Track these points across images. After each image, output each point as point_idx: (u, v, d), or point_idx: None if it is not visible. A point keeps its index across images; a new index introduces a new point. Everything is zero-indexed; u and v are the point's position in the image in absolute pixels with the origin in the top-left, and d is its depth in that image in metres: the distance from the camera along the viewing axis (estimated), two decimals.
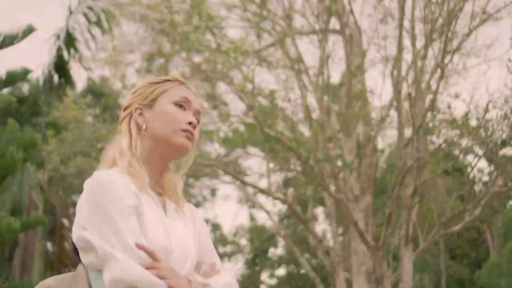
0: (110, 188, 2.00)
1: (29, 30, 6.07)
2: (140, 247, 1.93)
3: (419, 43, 11.23)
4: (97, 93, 18.44)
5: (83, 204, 2.03)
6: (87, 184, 2.05)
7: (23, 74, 5.99)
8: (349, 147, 12.80)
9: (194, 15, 11.93)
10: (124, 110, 2.25)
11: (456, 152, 13.64)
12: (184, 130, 2.17)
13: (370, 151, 12.68)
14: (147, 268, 1.90)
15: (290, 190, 17.50)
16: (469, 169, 12.97)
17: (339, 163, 12.18)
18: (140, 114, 2.20)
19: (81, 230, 2.01)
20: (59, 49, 16.13)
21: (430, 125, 11.34)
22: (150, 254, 1.94)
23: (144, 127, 2.17)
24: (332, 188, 12.39)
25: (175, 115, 2.19)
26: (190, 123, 2.19)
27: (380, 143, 17.36)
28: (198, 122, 2.25)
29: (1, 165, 5.28)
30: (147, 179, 2.12)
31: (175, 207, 2.20)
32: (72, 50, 15.93)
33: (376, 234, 12.98)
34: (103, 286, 1.95)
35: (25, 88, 25.37)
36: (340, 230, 18.96)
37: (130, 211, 1.99)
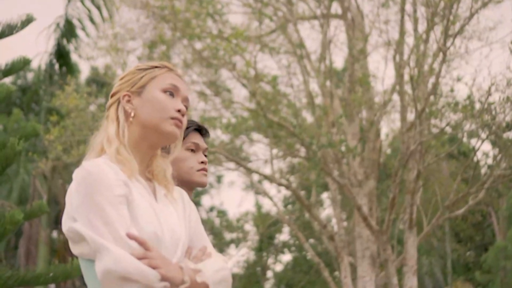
0: (99, 178, 1.99)
1: (28, 20, 6.01)
2: (131, 237, 1.92)
3: (421, 27, 11.19)
4: (101, 82, 18.44)
5: (73, 194, 2.02)
6: (76, 174, 2.04)
7: (23, 64, 5.94)
8: (352, 132, 12.78)
9: (195, 1, 11.88)
10: (111, 96, 2.24)
11: (460, 135, 13.60)
12: (173, 118, 2.16)
13: (373, 136, 12.66)
14: (139, 258, 1.90)
15: (294, 176, 17.48)
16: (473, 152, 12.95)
17: (343, 148, 12.15)
18: (128, 101, 2.18)
19: (71, 221, 2.00)
20: (59, 38, 16.10)
21: (433, 108, 11.29)
22: (142, 243, 1.93)
23: (132, 114, 2.16)
24: (336, 173, 12.38)
25: (164, 102, 2.17)
26: (179, 110, 2.18)
27: (384, 128, 17.36)
28: (187, 108, 2.25)
29: (2, 155, 5.26)
30: (136, 166, 2.11)
31: (165, 192, 2.20)
32: (72, 39, 15.89)
33: (380, 218, 12.98)
34: (95, 276, 1.95)
35: (29, 77, 25.43)
36: (344, 215, 18.99)
37: (120, 201, 1.98)
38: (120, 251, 1.89)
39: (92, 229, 1.93)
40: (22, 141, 5.20)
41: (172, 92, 2.21)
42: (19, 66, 5.94)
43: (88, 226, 1.94)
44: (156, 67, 2.25)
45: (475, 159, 12.48)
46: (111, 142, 2.13)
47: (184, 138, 2.88)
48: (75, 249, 2.03)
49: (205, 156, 3.07)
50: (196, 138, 3.03)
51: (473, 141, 17.35)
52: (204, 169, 2.99)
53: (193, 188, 3.04)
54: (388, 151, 17.90)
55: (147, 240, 1.95)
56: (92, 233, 1.92)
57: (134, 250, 1.91)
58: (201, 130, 3.09)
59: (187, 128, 2.97)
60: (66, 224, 2.02)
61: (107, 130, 2.17)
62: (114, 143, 2.12)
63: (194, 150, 3.01)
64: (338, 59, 29.76)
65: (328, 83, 12.72)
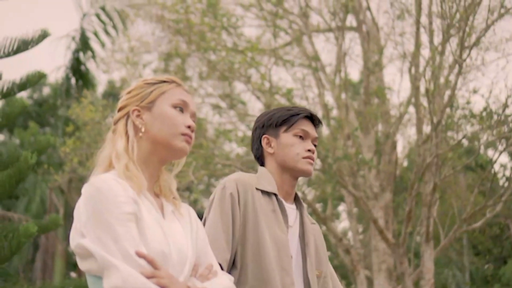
0: (108, 194, 1.98)
1: (43, 35, 6.07)
2: (140, 255, 1.92)
3: (437, 39, 11.13)
4: (118, 95, 18.54)
5: (81, 210, 2.01)
6: (85, 190, 2.03)
7: (38, 78, 5.99)
8: (368, 144, 12.73)
9: (210, 14, 11.92)
10: (119, 110, 2.22)
11: (477, 147, 13.51)
12: (183, 134, 2.16)
13: (389, 148, 12.60)
14: (148, 276, 1.89)
15: (310, 189, 17.44)
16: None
17: (359, 160, 12.10)
18: (138, 115, 2.17)
19: (79, 237, 1.98)
20: (75, 51, 16.19)
21: (449, 121, 11.23)
22: (150, 262, 1.92)
23: (142, 129, 2.15)
24: (352, 186, 12.33)
25: (175, 118, 2.17)
26: (189, 126, 2.18)
27: (400, 140, 17.29)
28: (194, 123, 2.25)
29: (15, 169, 5.29)
30: (144, 182, 2.10)
31: (172, 208, 2.19)
32: (87, 52, 15.97)
33: (397, 231, 12.90)
34: None
35: (46, 91, 25.63)
36: (360, 228, 18.90)
37: (129, 218, 1.97)
38: (128, 269, 1.88)
39: (101, 246, 1.92)
40: (35, 154, 5.23)
41: (181, 107, 2.21)
42: (34, 80, 5.98)
43: (97, 243, 1.93)
44: (164, 81, 2.24)
45: (492, 171, 12.35)
46: (120, 158, 2.11)
47: (293, 124, 2.94)
48: (83, 265, 2.02)
49: (315, 146, 3.01)
50: (306, 125, 2.97)
51: (491, 153, 17.23)
52: (310, 158, 2.92)
53: (297, 178, 2.97)
54: (405, 163, 17.81)
55: (155, 258, 1.94)
56: (100, 250, 1.91)
57: (142, 269, 1.90)
58: (313, 119, 3.02)
59: (297, 114, 2.97)
60: (75, 240, 2.01)
61: (116, 145, 2.15)
62: (123, 159, 2.11)
63: (302, 137, 2.95)
64: (354, 72, 29.79)
65: (343, 95, 12.69)
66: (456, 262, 22.15)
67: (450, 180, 14.34)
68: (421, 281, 11.59)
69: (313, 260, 2.88)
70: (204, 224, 2.75)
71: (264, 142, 3.00)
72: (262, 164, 3.02)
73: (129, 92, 2.24)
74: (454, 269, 21.92)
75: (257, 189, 2.84)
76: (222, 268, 2.61)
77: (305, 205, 3.04)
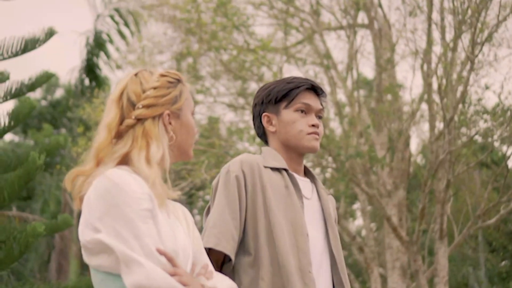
0: (127, 189, 1.95)
1: (50, 33, 6.10)
2: (161, 252, 1.92)
3: (449, 35, 11.08)
4: None
5: (93, 203, 1.96)
6: (99, 183, 1.98)
7: (46, 78, 6.02)
8: (381, 142, 12.68)
9: (220, 13, 11.92)
10: (146, 107, 2.12)
11: (490, 142, 13.43)
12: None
13: (402, 146, 12.56)
14: (170, 274, 1.90)
15: (323, 187, 17.41)
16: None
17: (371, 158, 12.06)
18: (170, 122, 2.16)
19: (92, 232, 1.94)
20: (88, 52, 16.25)
21: (462, 117, 11.17)
22: (170, 260, 1.93)
23: (174, 138, 2.15)
24: (365, 183, 12.29)
25: (194, 127, 2.24)
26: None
27: (414, 137, 17.23)
28: None
29: (24, 170, 5.32)
30: (166, 193, 2.09)
31: (172, 207, 2.19)
32: (101, 53, 16.04)
33: (410, 229, 12.86)
34: None
35: (59, 92, 25.79)
36: (374, 226, 18.85)
37: (147, 215, 1.96)
38: (152, 265, 1.87)
39: (122, 241, 1.89)
40: (44, 155, 5.25)
41: (193, 113, 2.27)
42: (43, 80, 6.01)
43: (117, 238, 1.90)
44: (179, 80, 2.24)
45: (506, 167, 12.26)
46: (153, 166, 2.06)
47: (293, 99, 2.79)
48: (92, 260, 1.98)
49: (320, 118, 2.85)
50: (309, 98, 2.81)
51: (505, 149, 17.13)
52: (315, 133, 2.78)
53: (303, 155, 2.84)
54: (419, 160, 17.75)
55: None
56: (121, 245, 1.88)
57: (164, 266, 1.90)
58: (316, 90, 2.85)
59: (298, 87, 2.80)
60: (85, 234, 1.96)
61: (150, 149, 2.08)
62: (155, 167, 2.06)
63: (304, 111, 2.79)
64: (365, 69, 29.70)
65: (355, 93, 12.66)
66: (472, 259, 22.03)
67: (464, 176, 14.27)
68: (435, 279, 11.54)
69: (336, 232, 2.77)
70: (209, 211, 2.69)
71: (264, 121, 2.87)
72: (267, 142, 2.91)
73: (155, 88, 2.17)
74: (469, 266, 21.81)
75: (265, 167, 2.72)
76: (230, 259, 2.58)
77: (317, 177, 2.92)
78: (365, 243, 13.54)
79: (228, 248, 2.52)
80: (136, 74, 2.21)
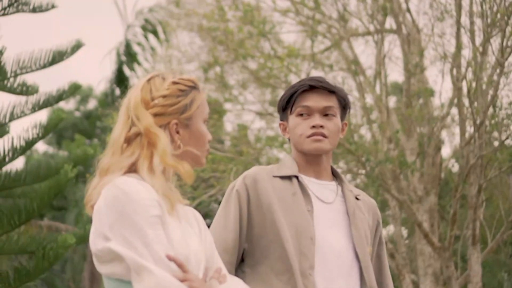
0: (135, 197, 1.96)
1: (77, 46, 6.17)
2: (171, 258, 1.92)
3: (478, 39, 10.98)
4: None
5: (103, 212, 1.97)
6: (108, 192, 1.99)
7: (73, 89, 6.09)
8: (411, 147, 12.58)
9: (247, 21, 11.93)
10: (156, 115, 2.11)
11: None
12: (207, 149, 2.24)
13: (433, 151, 12.44)
14: (180, 280, 1.90)
15: None
16: None
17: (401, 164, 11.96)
18: (177, 131, 2.14)
19: (103, 240, 1.95)
20: (119, 63, 16.40)
21: (493, 121, 11.05)
22: (180, 266, 1.93)
23: (181, 147, 2.13)
24: (395, 189, 12.19)
25: (206, 136, 2.20)
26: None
27: (446, 142, 17.06)
28: None
29: (54, 181, 5.38)
30: (175, 200, 2.10)
31: (183, 212, 2.18)
32: (132, 63, 16.17)
33: (442, 235, 12.73)
34: None
35: (92, 103, 26.09)
36: (405, 232, 18.68)
37: (156, 221, 1.96)
38: (162, 272, 1.87)
39: (131, 249, 1.90)
40: (73, 166, 5.30)
41: (206, 120, 2.24)
42: (70, 91, 6.08)
43: (126, 245, 1.91)
44: (193, 87, 2.20)
45: None
46: (156, 174, 2.06)
47: (294, 104, 2.80)
48: (104, 268, 2.00)
49: (327, 115, 2.80)
50: (309, 99, 2.78)
51: None
52: (316, 134, 2.75)
53: (320, 156, 2.82)
54: (451, 165, 17.57)
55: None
56: (131, 253, 1.89)
57: (174, 272, 1.90)
58: (315, 88, 2.80)
59: (296, 91, 2.79)
60: (98, 243, 1.97)
61: (153, 159, 2.08)
62: (159, 176, 2.06)
63: (306, 114, 2.78)
64: (394, 74, 29.50)
65: (384, 98, 12.58)
66: (507, 265, 21.74)
67: (496, 181, 14.10)
68: (468, 285, 11.41)
69: (362, 233, 2.74)
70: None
71: (281, 129, 2.93)
72: None
73: (164, 97, 2.15)
74: (504, 272, 21.53)
75: (274, 176, 2.75)
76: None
77: (345, 179, 2.91)
78: (397, 249, 13.42)
79: (227, 258, 2.59)
80: (149, 80, 2.21)
